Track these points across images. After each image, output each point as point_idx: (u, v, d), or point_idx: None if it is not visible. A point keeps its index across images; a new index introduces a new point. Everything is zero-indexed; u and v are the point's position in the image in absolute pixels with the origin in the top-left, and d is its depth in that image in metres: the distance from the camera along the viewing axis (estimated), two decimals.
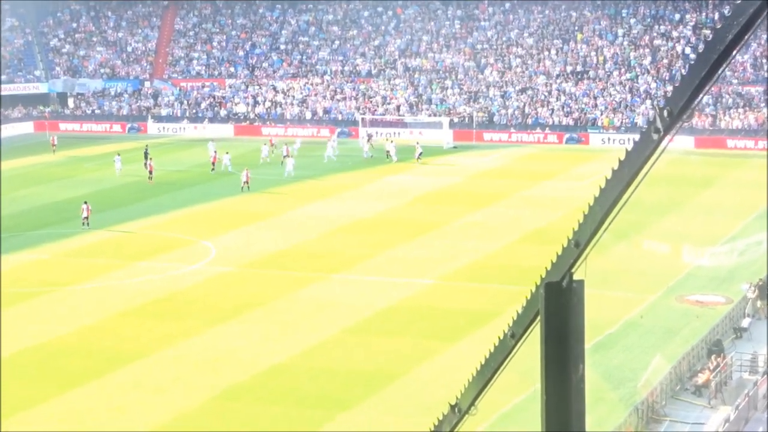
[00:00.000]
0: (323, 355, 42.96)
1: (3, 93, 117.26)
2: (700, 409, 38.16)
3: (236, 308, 49.09)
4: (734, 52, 5.76)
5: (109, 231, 64.86)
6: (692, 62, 5.86)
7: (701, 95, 5.87)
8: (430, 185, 77.74)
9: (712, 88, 7.29)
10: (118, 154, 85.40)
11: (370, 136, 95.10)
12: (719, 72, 5.78)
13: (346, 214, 67.92)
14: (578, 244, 6.62)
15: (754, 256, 51.90)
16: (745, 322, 45.69)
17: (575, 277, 6.81)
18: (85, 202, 66.00)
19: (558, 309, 6.78)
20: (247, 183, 75.67)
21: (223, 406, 38.11)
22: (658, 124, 6.00)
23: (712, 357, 40.78)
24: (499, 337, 7.53)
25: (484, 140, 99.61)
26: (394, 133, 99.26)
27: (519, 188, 75.45)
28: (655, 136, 6.05)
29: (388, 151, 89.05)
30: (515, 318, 7.32)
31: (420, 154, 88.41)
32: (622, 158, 6.25)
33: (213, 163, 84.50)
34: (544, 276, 6.87)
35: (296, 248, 59.83)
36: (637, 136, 6.29)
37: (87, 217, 64.98)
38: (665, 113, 5.96)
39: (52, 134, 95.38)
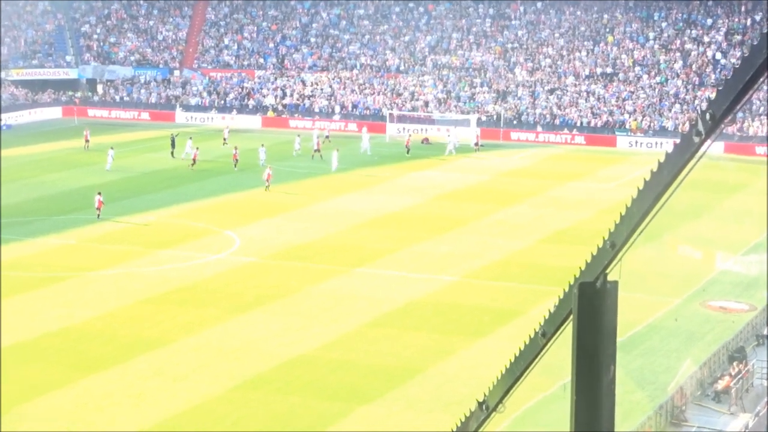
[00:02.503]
0: (344, 348, 42.98)
1: (33, 77, 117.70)
2: (719, 416, 38.03)
3: (258, 299, 49.17)
4: None
5: (134, 218, 64.98)
6: (737, 67, 5.80)
7: (745, 99, 5.82)
8: (456, 182, 77.62)
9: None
10: (112, 148, 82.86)
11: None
12: (763, 77, 5.72)
13: (372, 208, 67.90)
14: (614, 245, 6.58)
15: None
16: None
17: (609, 278, 6.78)
18: (99, 193, 65.25)
19: (591, 309, 6.75)
20: (268, 182, 73.30)
21: (243, 396, 38.17)
22: (700, 127, 5.95)
23: (734, 363, 40.63)
24: (529, 336, 7.51)
25: (512, 139, 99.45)
26: (422, 129, 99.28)
27: (545, 188, 75.26)
28: (696, 139, 6.00)
29: (408, 147, 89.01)
30: (547, 317, 7.29)
31: (477, 143, 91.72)
32: (662, 161, 6.21)
33: (235, 159, 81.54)
34: (578, 276, 6.83)
35: (320, 241, 59.84)
36: (664, 140, 6.27)
37: (99, 209, 64.03)
38: (707, 116, 5.92)
39: (86, 129, 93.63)
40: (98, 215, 63.90)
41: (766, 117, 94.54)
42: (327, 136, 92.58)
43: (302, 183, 76.51)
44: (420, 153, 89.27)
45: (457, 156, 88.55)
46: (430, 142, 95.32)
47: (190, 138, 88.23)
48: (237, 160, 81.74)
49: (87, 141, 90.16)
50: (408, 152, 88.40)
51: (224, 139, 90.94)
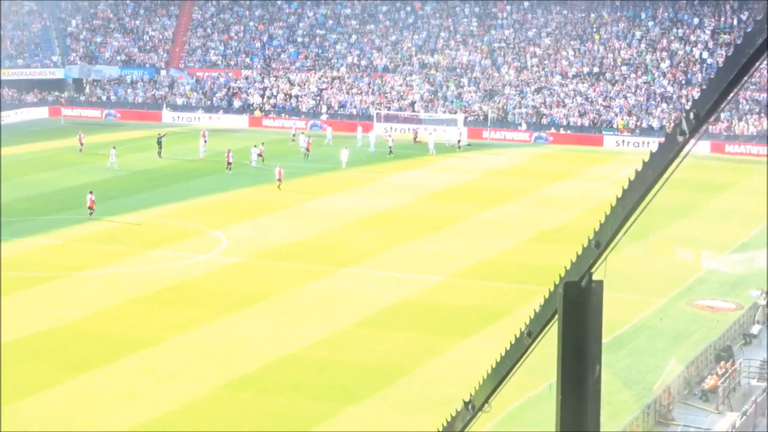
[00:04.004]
0: (332, 348, 42.98)
1: (19, 77, 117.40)
2: (706, 414, 38.10)
3: (247, 298, 49.15)
4: (763, 57, 5.72)
5: (122, 218, 64.89)
6: (721, 65, 5.82)
7: (728, 98, 5.83)
8: (444, 182, 77.59)
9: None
10: (114, 147, 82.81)
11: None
12: (747, 76, 5.74)
13: (360, 208, 67.86)
14: (599, 245, 6.59)
15: (765, 264, 51.70)
16: (755, 329, 45.58)
17: (594, 277, 6.78)
18: (90, 192, 65.27)
19: (576, 309, 6.75)
20: (280, 180, 73.09)
21: (231, 396, 38.16)
22: (684, 127, 5.96)
23: (721, 362, 40.71)
24: (515, 335, 7.51)
25: (498, 139, 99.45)
26: (407, 129, 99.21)
27: (533, 187, 75.29)
28: (680, 139, 6.02)
29: (390, 147, 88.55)
30: (532, 316, 7.29)
31: (460, 141, 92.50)
32: (646, 160, 6.22)
33: (228, 163, 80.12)
34: (563, 275, 6.83)
35: (309, 240, 59.81)
36: (651, 139, 6.29)
37: (91, 207, 63.99)
38: (691, 116, 5.93)
39: (80, 132, 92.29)
40: (90, 214, 63.85)
41: (765, 117, 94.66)
42: (293, 134, 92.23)
43: (291, 182, 76.23)
44: (406, 153, 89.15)
45: (444, 155, 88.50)
46: (419, 141, 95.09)
47: (204, 139, 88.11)
48: (230, 162, 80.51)
49: (81, 144, 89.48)
50: (390, 152, 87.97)
51: (204, 140, 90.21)
